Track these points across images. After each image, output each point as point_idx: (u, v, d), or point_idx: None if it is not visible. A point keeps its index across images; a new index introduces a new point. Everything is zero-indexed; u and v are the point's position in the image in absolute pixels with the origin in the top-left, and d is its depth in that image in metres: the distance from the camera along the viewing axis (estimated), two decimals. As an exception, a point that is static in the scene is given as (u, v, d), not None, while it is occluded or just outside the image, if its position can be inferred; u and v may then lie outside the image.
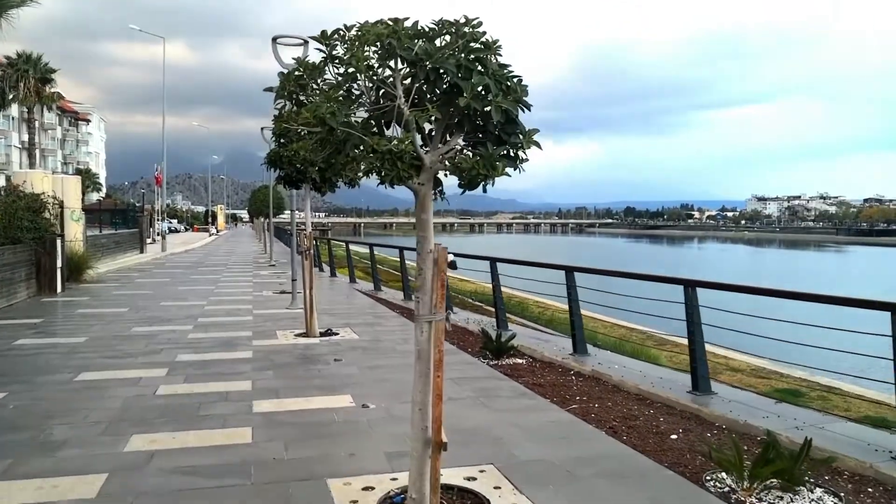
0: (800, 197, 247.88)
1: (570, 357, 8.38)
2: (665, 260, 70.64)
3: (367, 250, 20.08)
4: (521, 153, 3.65)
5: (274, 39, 11.61)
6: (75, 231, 17.42)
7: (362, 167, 3.67)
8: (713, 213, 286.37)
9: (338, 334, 9.68)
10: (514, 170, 3.65)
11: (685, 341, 7.00)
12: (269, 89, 4.11)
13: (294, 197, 12.46)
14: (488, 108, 3.52)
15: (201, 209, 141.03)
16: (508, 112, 3.51)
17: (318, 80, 3.87)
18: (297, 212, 13.18)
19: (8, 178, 15.63)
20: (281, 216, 37.55)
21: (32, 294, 13.88)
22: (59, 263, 14.54)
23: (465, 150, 3.69)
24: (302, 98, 3.99)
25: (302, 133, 4.08)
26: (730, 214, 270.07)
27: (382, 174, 3.54)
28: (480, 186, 3.66)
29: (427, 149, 3.63)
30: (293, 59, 3.89)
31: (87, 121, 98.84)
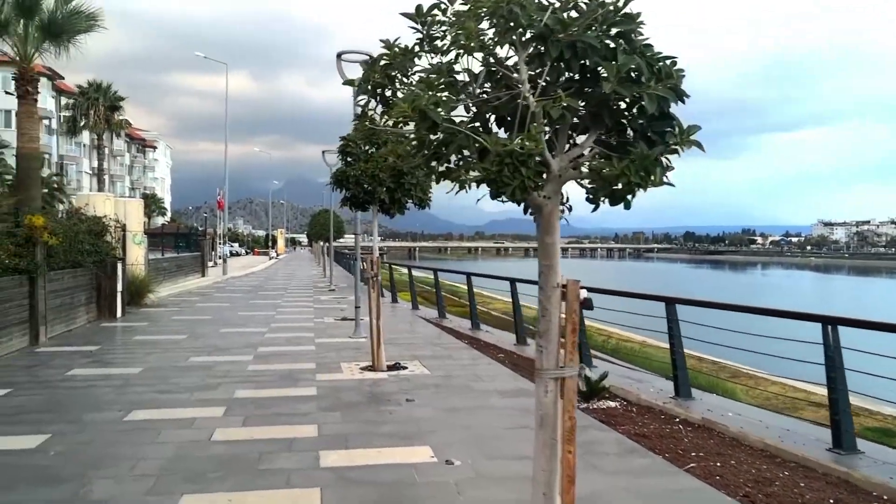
0: (869, 222, 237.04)
1: (671, 401, 7.35)
2: (728, 285, 67.85)
3: (428, 275, 19.35)
4: (673, 155, 2.77)
5: (339, 56, 11.11)
6: (137, 255, 17.26)
7: (472, 175, 2.80)
8: (777, 238, 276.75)
9: (406, 368, 8.87)
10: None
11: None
12: (350, 83, 3.33)
13: (357, 220, 11.83)
14: (635, 98, 2.67)
15: (262, 233, 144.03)
16: (663, 103, 2.65)
17: (411, 70, 3.06)
18: (359, 235, 12.55)
19: (72, 202, 15.50)
20: (340, 240, 37.32)
21: (92, 318, 13.59)
22: (119, 287, 14.26)
23: (596, 156, 2.83)
24: (389, 94, 3.17)
25: (389, 137, 3.31)
26: (794, 240, 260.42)
27: (499, 184, 2.67)
28: (618, 201, 2.83)
29: (553, 152, 2.77)
30: (380, 41, 3.06)
31: (154, 147, 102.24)
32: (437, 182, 3.02)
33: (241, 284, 26.71)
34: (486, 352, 10.85)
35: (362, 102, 3.26)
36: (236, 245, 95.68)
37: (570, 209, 2.98)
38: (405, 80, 3.05)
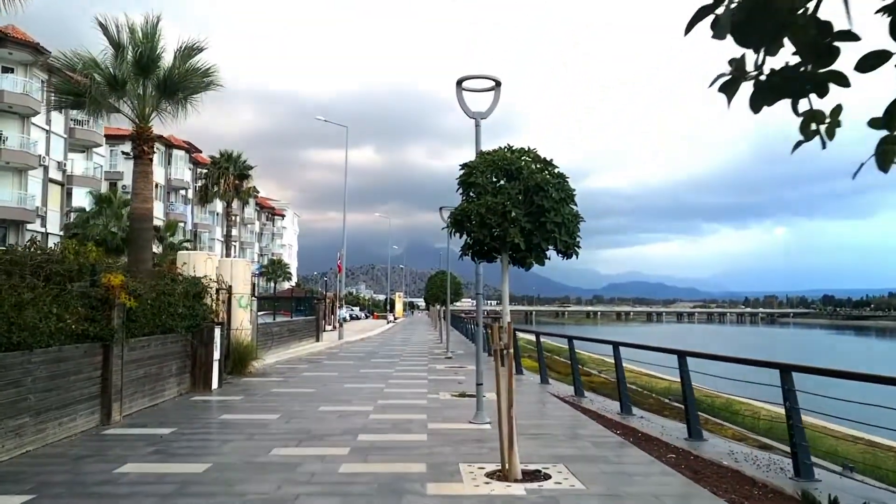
0: None
1: None
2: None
3: (559, 342, 16.79)
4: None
5: (458, 83, 9.38)
6: (242, 318, 16.01)
7: None
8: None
9: (549, 478, 6.44)
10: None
11: None
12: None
13: (479, 277, 9.67)
14: None
15: (382, 297, 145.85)
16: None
17: None
18: (480, 295, 10.38)
19: (172, 261, 14.49)
20: (457, 304, 35.41)
21: (185, 390, 12.17)
22: (216, 356, 12.84)
23: None
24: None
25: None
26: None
27: None
28: None
29: None
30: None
31: (282, 215, 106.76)
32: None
33: (355, 350, 25.20)
34: (650, 449, 8.20)
35: None
36: (356, 309, 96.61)
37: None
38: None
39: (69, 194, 44.56)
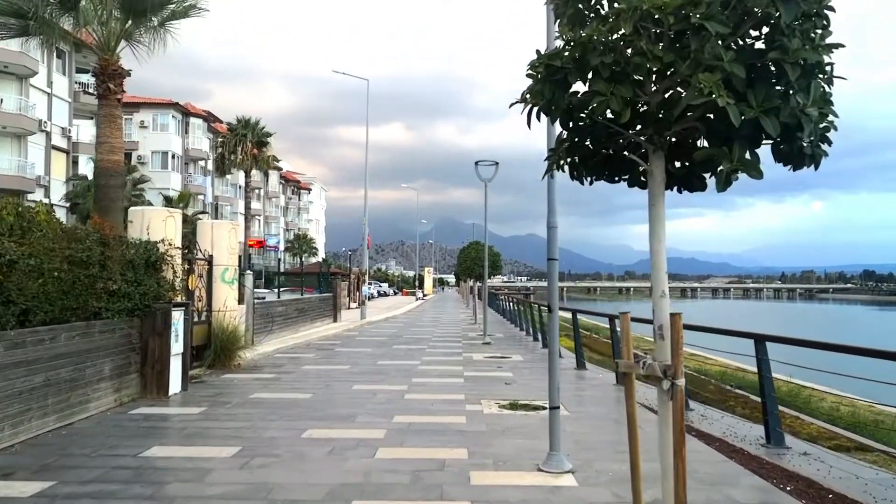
0: None
1: None
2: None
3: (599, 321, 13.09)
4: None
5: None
6: (225, 297, 12.56)
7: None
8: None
9: None
10: None
11: None
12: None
13: (554, 233, 5.90)
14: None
15: (412, 273, 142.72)
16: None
17: None
18: (556, 263, 6.63)
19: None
20: (492, 279, 31.78)
21: (132, 397, 8.76)
22: (176, 349, 9.39)
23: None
24: None
25: None
26: None
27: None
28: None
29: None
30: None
31: (309, 189, 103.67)
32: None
33: (377, 333, 21.72)
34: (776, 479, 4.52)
35: None
36: (385, 285, 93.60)
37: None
38: None
39: (75, 162, 41.70)
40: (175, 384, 9.44)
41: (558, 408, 5.74)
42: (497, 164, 16.65)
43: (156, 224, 10.12)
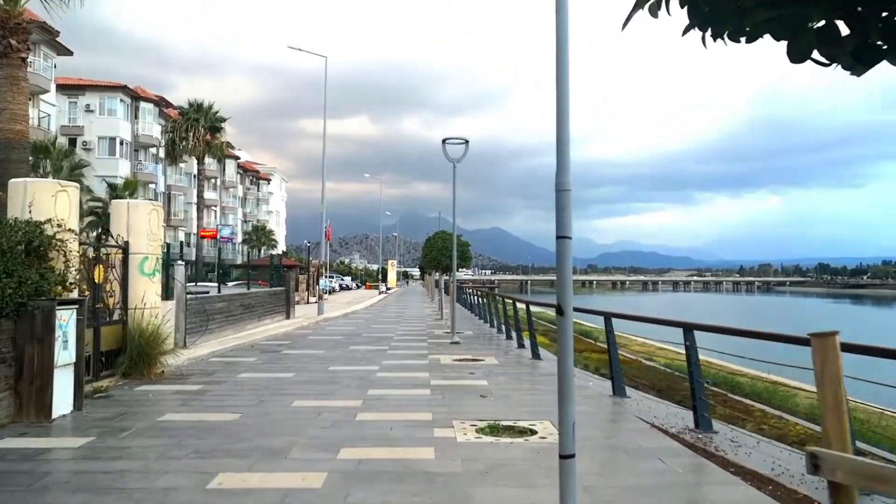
0: None
1: None
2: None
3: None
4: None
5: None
6: (144, 292, 10.47)
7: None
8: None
9: None
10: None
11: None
12: None
13: (567, 194, 4.14)
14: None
15: (376, 267, 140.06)
16: None
17: None
18: (570, 242, 4.80)
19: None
20: (460, 271, 29.98)
21: (2, 421, 6.71)
22: (61, 359, 7.34)
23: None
24: None
25: None
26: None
27: None
28: None
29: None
30: None
31: (268, 180, 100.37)
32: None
33: (333, 331, 19.72)
34: None
35: None
36: (347, 279, 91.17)
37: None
38: None
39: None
40: (63, 403, 7.39)
41: (573, 456, 3.91)
42: (467, 142, 14.83)
43: (42, 200, 8.01)
